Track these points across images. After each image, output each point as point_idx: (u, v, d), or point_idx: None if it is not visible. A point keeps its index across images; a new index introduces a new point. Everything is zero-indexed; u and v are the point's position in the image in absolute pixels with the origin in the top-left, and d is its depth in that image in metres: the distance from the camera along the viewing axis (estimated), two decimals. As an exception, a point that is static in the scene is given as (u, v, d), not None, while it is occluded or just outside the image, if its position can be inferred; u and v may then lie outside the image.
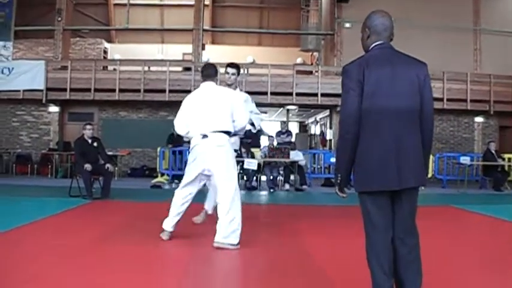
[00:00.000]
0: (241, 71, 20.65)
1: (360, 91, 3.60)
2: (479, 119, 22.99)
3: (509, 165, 18.65)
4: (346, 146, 3.66)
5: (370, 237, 3.67)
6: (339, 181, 3.78)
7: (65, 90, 20.26)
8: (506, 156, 19.16)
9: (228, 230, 6.35)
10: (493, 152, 17.94)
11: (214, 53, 26.61)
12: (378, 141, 3.58)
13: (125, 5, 24.94)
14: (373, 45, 3.86)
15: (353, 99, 3.61)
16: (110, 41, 29.55)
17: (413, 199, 3.72)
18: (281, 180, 16.55)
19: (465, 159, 17.46)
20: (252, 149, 17.00)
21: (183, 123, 7.05)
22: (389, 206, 3.66)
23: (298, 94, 20.50)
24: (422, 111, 3.69)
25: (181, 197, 6.91)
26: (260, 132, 18.78)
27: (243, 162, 15.62)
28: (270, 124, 24.15)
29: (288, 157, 15.80)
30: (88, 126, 12.63)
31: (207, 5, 27.22)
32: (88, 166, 11.92)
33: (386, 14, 3.92)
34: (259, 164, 15.81)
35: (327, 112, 23.64)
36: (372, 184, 3.59)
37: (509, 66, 22.17)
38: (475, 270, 5.65)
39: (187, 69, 21.70)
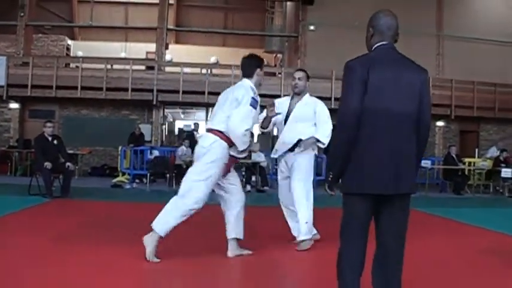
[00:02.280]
0: (204, 71, 20.79)
1: (362, 89, 3.47)
2: (440, 123, 23.41)
3: (469, 169, 19.00)
4: (344, 145, 3.53)
5: (349, 240, 3.58)
6: (330, 179, 3.66)
7: (26, 86, 19.96)
8: (466, 160, 19.58)
9: None
10: (454, 156, 18.27)
11: (178, 53, 26.59)
12: (377, 144, 3.47)
13: (89, 1, 24.78)
14: (377, 45, 3.73)
15: (356, 98, 3.47)
16: (73, 38, 29.24)
17: (406, 205, 3.65)
18: (243, 181, 16.58)
19: (426, 163, 17.70)
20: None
21: None
22: (374, 210, 3.60)
23: (261, 95, 20.20)
24: (420, 118, 3.61)
25: None
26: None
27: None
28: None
29: (250, 158, 15.81)
30: (48, 124, 12.51)
31: (171, 4, 27.20)
32: (48, 164, 11.80)
33: (391, 13, 3.80)
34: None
35: (289, 114, 23.66)
36: (368, 186, 3.48)
37: (470, 71, 22.56)
38: (432, 270, 5.76)
39: (151, 68, 21.61)
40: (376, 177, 3.46)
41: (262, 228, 8.32)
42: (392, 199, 3.54)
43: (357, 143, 3.48)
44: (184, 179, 6.01)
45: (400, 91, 3.52)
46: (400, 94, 3.52)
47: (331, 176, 3.64)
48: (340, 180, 3.64)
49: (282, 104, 7.17)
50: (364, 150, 3.48)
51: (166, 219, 5.79)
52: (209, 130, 6.10)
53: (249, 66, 6.47)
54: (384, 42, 3.71)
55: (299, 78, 7.17)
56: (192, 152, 16.33)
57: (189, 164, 15.72)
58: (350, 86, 3.51)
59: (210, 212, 6.34)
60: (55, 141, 12.49)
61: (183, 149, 16.66)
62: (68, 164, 12.34)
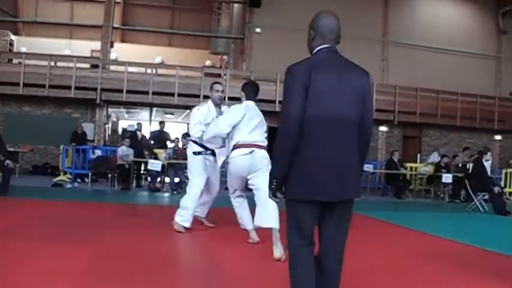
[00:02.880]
0: (149, 70, 20.71)
1: (304, 95, 3.38)
2: (383, 128, 23.84)
3: (411, 174, 19.41)
4: (286, 151, 3.44)
5: (296, 245, 3.55)
6: (274, 186, 3.57)
7: (-34, 81, 19.57)
8: (408, 165, 20.04)
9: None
10: (396, 161, 18.69)
11: (123, 52, 26.45)
12: (321, 151, 3.42)
13: (33, -4, 24.41)
14: (319, 48, 3.66)
15: (297, 103, 3.39)
16: (16, 33, 28.72)
17: (349, 210, 3.64)
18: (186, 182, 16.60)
19: (368, 167, 17.99)
20: (156, 151, 17.00)
21: None
22: (319, 216, 3.56)
23: (205, 97, 20.37)
24: (362, 121, 3.57)
25: None
26: (165, 133, 18.81)
27: (146, 163, 15.64)
28: (176, 126, 24.10)
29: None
30: (-12, 121, 12.35)
31: (118, 2, 27.00)
32: (-14, 161, 11.66)
33: (333, 15, 3.72)
34: (163, 166, 15.80)
35: (234, 115, 23.74)
36: (311, 193, 3.42)
37: (414, 78, 23.19)
38: (366, 274, 5.89)
39: (95, 66, 21.40)
40: (321, 184, 3.43)
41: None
42: (335, 205, 3.53)
43: (301, 149, 3.43)
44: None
45: (343, 96, 3.49)
46: (343, 99, 3.48)
47: (274, 182, 3.57)
48: (283, 187, 3.59)
49: (210, 114, 8.08)
50: (309, 157, 3.43)
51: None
52: (259, 146, 6.94)
53: (256, 92, 7.40)
54: (325, 46, 3.66)
55: (222, 91, 8.57)
56: (135, 151, 16.32)
57: (131, 164, 15.81)
58: (291, 92, 3.45)
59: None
60: (-6, 139, 12.31)
61: (123, 149, 16.57)
62: (7, 161, 12.14)
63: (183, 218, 8.03)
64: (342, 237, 3.65)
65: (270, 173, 3.66)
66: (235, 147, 6.91)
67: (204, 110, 8.15)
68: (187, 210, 8.02)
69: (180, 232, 7.98)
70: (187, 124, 26.02)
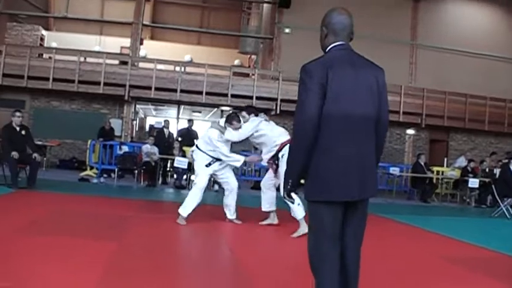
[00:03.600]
0: (178, 68, 20.75)
1: (321, 93, 3.34)
2: (410, 131, 23.64)
3: (437, 178, 19.21)
4: (302, 151, 3.39)
5: (321, 246, 3.45)
6: (289, 186, 3.52)
7: (-3, 75, 19.73)
8: (434, 169, 19.81)
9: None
10: (423, 164, 18.45)
11: (152, 49, 26.56)
12: (339, 149, 3.38)
13: (65, -7, 24.56)
14: (332, 45, 3.63)
15: (313, 101, 3.34)
16: (47, 28, 28.93)
17: (366, 207, 3.62)
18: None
19: (394, 170, 17.87)
20: (184, 148, 16.97)
21: None
22: (342, 215, 3.50)
23: (233, 96, 20.57)
24: (379, 118, 3.55)
25: None
26: (192, 132, 18.79)
27: (172, 160, 15.62)
28: (203, 124, 24.09)
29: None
30: (17, 114, 12.38)
31: (148, 0, 27.13)
32: (15, 154, 11.72)
33: (346, 12, 3.68)
34: (189, 163, 15.77)
35: (261, 115, 23.74)
36: (333, 193, 3.39)
37: (442, 81, 22.97)
38: (389, 278, 5.83)
39: (124, 63, 21.48)
40: (341, 184, 3.39)
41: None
42: (356, 203, 3.50)
43: (320, 149, 3.39)
44: None
45: (360, 93, 3.46)
46: (360, 96, 3.46)
47: (290, 183, 3.52)
48: (296, 188, 3.55)
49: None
50: (326, 156, 3.39)
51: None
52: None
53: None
54: (339, 43, 3.63)
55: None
56: (161, 149, 16.36)
57: (157, 161, 15.85)
58: (307, 91, 3.39)
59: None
60: (23, 132, 12.38)
61: (147, 147, 16.57)
62: (34, 155, 12.22)
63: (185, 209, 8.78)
64: (361, 234, 3.64)
65: (285, 173, 3.60)
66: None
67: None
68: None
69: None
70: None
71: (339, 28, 3.62)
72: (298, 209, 8.13)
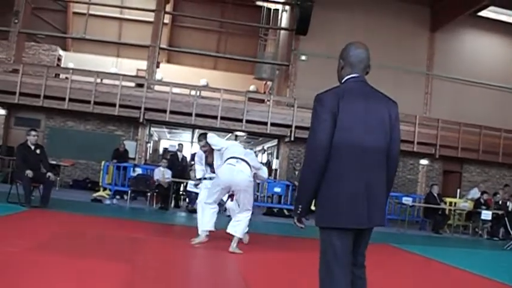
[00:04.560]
0: (193, 92, 20.78)
1: (332, 122, 3.45)
2: (424, 162, 23.51)
3: (449, 209, 19.05)
4: (312, 177, 3.49)
5: (333, 273, 3.47)
6: (299, 212, 3.61)
7: (14, 93, 19.76)
8: (447, 200, 19.63)
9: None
10: (435, 195, 18.29)
11: (168, 72, 26.67)
12: (349, 177, 3.45)
13: (84, 14, 24.75)
14: (348, 77, 3.74)
15: (325, 130, 3.45)
16: (65, 49, 29.19)
17: (371, 233, 3.70)
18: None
19: (407, 200, 17.75)
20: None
21: None
22: (352, 242, 3.56)
23: (248, 121, 20.57)
24: (389, 150, 3.63)
25: None
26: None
27: (186, 183, 15.57)
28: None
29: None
30: (33, 133, 12.41)
31: (166, 24, 27.32)
32: (29, 172, 11.73)
33: (363, 46, 3.80)
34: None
35: (275, 142, 23.82)
36: (342, 220, 3.45)
37: (457, 112, 22.90)
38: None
39: (140, 85, 21.58)
40: (351, 211, 3.44)
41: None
42: (364, 231, 3.61)
43: (330, 177, 3.48)
44: None
45: (371, 125, 3.55)
46: (371, 128, 3.54)
47: (300, 209, 3.61)
48: (306, 213, 3.65)
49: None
50: (337, 184, 3.47)
51: None
52: None
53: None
54: (354, 75, 3.72)
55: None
56: (175, 172, 16.41)
57: (170, 184, 15.82)
58: (319, 120, 3.50)
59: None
60: (37, 151, 12.41)
61: (160, 170, 16.51)
62: (48, 174, 12.23)
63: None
64: (363, 261, 3.74)
65: (296, 199, 3.70)
66: None
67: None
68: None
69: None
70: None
71: (356, 61, 3.73)
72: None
